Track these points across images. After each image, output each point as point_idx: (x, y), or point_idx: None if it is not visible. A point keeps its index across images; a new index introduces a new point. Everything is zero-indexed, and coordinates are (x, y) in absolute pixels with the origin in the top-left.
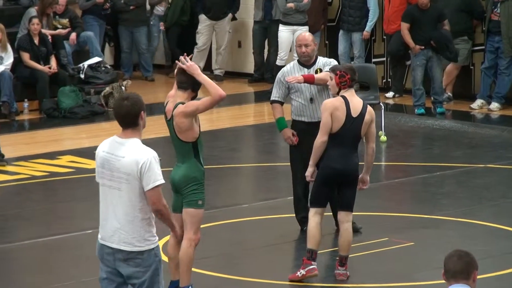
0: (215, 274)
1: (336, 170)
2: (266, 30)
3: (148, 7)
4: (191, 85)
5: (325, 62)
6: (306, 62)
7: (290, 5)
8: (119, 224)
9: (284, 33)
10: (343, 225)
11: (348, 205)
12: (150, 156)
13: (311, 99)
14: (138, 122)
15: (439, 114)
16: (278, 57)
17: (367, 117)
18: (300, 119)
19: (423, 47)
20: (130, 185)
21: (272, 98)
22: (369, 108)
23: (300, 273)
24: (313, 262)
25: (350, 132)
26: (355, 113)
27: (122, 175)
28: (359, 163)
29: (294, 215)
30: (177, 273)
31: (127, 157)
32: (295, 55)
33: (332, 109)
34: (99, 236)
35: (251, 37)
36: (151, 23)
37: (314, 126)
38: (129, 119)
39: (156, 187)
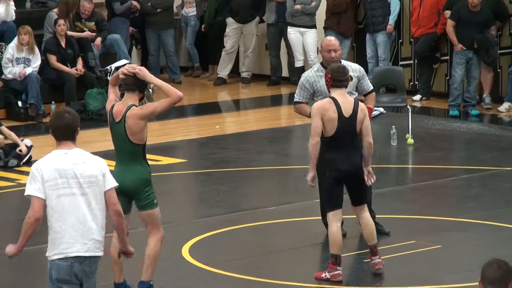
0: (242, 277)
1: (343, 172)
2: (282, 32)
3: (175, 9)
4: (138, 87)
5: (355, 69)
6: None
7: (297, 7)
8: (91, 229)
9: (293, 34)
10: (362, 218)
11: (361, 200)
12: (103, 160)
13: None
14: (76, 136)
15: (473, 116)
16: (295, 59)
17: (359, 115)
18: None
19: (464, 48)
20: (95, 188)
21: (296, 99)
22: (361, 105)
23: (325, 275)
24: (338, 267)
25: (346, 133)
26: (347, 113)
27: (86, 179)
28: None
29: (321, 217)
30: (121, 276)
31: (87, 162)
32: (311, 57)
33: (322, 111)
34: (65, 252)
35: None
36: (192, 23)
37: None
38: (71, 132)
39: (113, 188)
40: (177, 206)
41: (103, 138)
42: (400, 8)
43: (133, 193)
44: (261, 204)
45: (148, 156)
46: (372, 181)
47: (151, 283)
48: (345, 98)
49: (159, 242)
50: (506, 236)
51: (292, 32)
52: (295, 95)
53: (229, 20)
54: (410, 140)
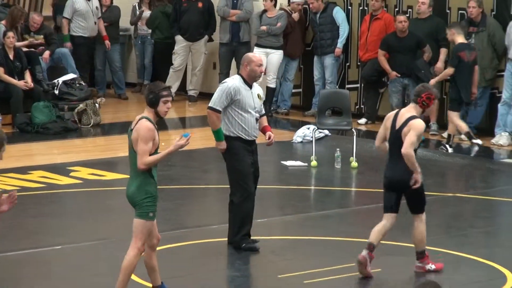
0: None
1: (387, 179)
2: (234, 52)
3: (123, 25)
4: (147, 102)
5: (257, 88)
6: (253, 82)
7: (263, 28)
8: None
9: (258, 55)
10: (413, 225)
11: (413, 209)
12: None
13: (256, 119)
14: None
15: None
16: (267, 80)
17: (405, 129)
18: (243, 135)
19: (399, 75)
20: None
21: (216, 107)
22: (410, 122)
23: (430, 267)
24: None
25: (393, 142)
26: (398, 124)
27: None
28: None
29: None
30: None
31: None
32: (269, 78)
33: (385, 120)
34: None
35: None
36: (139, 42)
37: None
38: None
39: None
40: (121, 222)
41: (48, 151)
42: (348, 32)
43: (133, 202)
44: (205, 222)
45: (91, 171)
46: (416, 186)
47: None
48: (406, 112)
49: (139, 254)
50: (445, 262)
51: (258, 53)
52: (213, 100)
53: (178, 37)
54: (354, 164)
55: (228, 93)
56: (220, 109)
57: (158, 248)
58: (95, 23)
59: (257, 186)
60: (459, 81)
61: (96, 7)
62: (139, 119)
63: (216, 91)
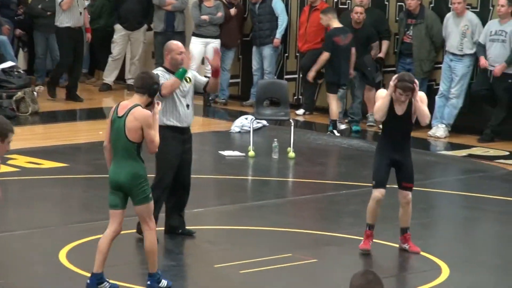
0: (121, 283)
1: None
2: None
3: None
4: (147, 90)
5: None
6: (177, 68)
7: (205, 17)
8: None
9: (197, 45)
10: None
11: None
12: None
13: (188, 106)
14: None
15: (354, 132)
16: (206, 69)
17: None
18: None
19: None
20: None
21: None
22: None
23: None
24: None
25: None
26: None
27: None
28: None
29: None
30: (101, 266)
31: None
32: (208, 67)
33: None
34: None
35: None
36: None
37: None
38: None
39: None
40: (57, 211)
41: None
42: (287, 23)
43: (128, 189)
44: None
45: (29, 159)
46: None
47: (159, 272)
48: None
49: (155, 234)
50: (381, 252)
51: (196, 43)
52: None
53: (117, 26)
54: (291, 154)
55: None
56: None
57: (90, 238)
58: (81, 13)
59: (194, 176)
60: (336, 65)
61: None
62: (133, 107)
63: None
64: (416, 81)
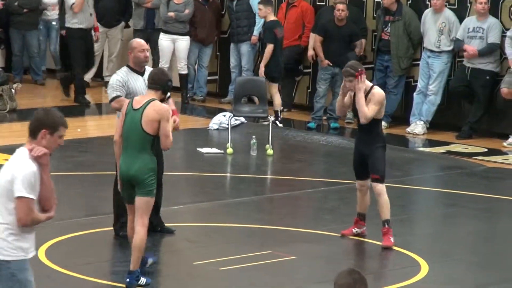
0: (97, 280)
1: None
2: (149, 39)
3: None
4: (162, 87)
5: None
6: (142, 68)
7: (171, 14)
8: None
9: (164, 41)
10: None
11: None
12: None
13: None
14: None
15: (332, 129)
16: (159, 65)
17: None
18: None
19: (331, 64)
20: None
21: (115, 95)
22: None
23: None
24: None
25: None
26: None
27: None
28: None
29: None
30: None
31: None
32: (181, 64)
33: None
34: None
35: None
36: (40, 27)
37: None
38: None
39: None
40: None
41: None
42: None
43: (137, 181)
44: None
45: (7, 156)
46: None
47: (139, 270)
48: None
49: (146, 231)
50: (360, 249)
51: (164, 39)
52: (110, 94)
53: None
54: (270, 151)
55: (115, 87)
56: (122, 95)
57: (69, 236)
58: (91, 14)
59: (172, 173)
60: (277, 56)
61: None
62: (151, 100)
63: (108, 89)
64: (362, 70)
